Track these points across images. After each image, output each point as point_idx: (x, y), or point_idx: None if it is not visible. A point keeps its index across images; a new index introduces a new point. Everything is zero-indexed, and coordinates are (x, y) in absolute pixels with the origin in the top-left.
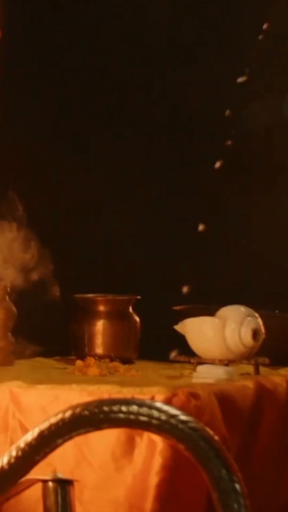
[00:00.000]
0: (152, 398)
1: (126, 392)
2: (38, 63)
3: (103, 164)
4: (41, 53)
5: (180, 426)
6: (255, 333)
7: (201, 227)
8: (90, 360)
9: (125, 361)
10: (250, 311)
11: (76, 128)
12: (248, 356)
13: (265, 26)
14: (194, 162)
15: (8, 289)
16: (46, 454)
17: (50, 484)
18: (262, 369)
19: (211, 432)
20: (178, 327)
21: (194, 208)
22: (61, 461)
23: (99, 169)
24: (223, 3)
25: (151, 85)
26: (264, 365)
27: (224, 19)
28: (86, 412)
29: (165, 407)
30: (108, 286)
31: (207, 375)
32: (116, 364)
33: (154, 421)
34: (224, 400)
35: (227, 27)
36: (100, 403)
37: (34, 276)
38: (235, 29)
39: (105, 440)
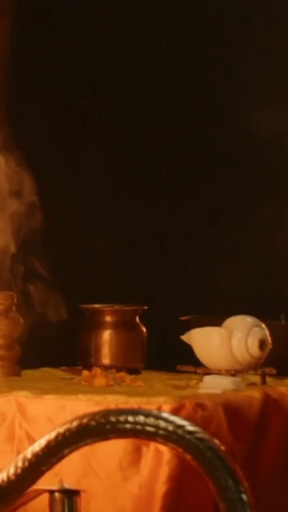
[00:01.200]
0: (159, 408)
1: (133, 402)
2: (39, 63)
3: (108, 172)
4: (41, 54)
5: (187, 436)
6: (262, 344)
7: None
8: (97, 370)
9: (132, 371)
10: (257, 321)
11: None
12: (255, 366)
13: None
14: (196, 173)
15: (15, 299)
16: (52, 464)
17: (57, 494)
18: (268, 379)
19: (217, 442)
20: (185, 337)
21: (198, 218)
22: (68, 471)
23: (103, 177)
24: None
25: (150, 92)
26: (271, 375)
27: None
28: (93, 422)
29: (172, 417)
30: (115, 296)
31: (213, 385)
32: (122, 374)
33: (161, 431)
34: (231, 410)
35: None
36: (107, 413)
37: (41, 285)
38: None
39: (112, 450)
